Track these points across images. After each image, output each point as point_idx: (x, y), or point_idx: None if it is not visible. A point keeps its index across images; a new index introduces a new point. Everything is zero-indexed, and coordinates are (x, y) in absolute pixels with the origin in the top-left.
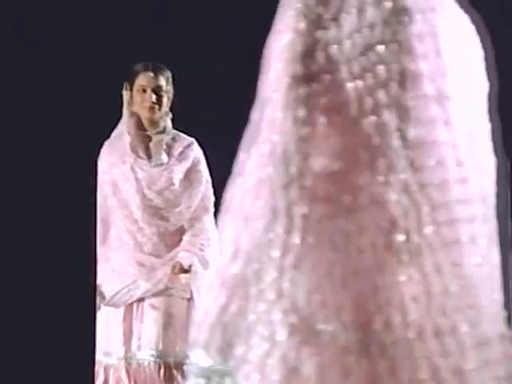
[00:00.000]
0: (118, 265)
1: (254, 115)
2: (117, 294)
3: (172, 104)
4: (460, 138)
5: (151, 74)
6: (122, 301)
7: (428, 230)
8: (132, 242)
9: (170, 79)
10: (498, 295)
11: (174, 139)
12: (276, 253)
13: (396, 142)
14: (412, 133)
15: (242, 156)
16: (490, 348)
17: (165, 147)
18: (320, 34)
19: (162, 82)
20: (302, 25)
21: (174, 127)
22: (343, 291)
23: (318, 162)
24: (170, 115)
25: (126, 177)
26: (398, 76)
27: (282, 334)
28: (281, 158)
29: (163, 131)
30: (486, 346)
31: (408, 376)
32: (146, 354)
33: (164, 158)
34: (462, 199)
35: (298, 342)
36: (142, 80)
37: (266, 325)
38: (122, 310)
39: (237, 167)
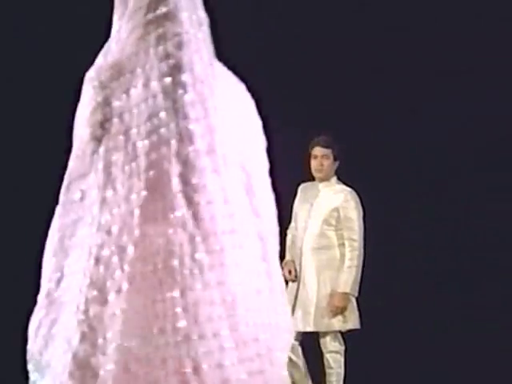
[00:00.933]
0: None
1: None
2: None
3: None
4: (229, 181)
5: None
6: None
7: (199, 255)
8: None
9: None
10: (265, 305)
11: None
12: (81, 278)
13: (176, 186)
14: (190, 179)
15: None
16: (247, 348)
17: None
18: (114, 104)
19: None
20: (100, 98)
21: None
22: (129, 306)
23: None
24: None
25: None
26: (177, 135)
27: (75, 340)
28: (89, 207)
29: None
30: (242, 347)
31: (175, 370)
32: None
33: None
34: (227, 231)
35: (86, 346)
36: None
37: (67, 331)
38: None
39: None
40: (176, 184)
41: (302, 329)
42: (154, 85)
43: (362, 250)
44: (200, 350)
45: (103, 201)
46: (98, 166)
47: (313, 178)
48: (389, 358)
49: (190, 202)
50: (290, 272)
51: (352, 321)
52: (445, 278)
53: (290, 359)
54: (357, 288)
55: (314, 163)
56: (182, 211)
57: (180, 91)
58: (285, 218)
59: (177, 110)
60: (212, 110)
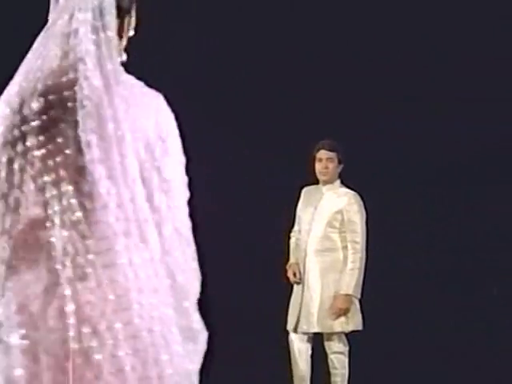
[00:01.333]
0: None
1: None
2: None
3: None
4: (126, 187)
5: None
6: None
7: (91, 256)
8: None
9: None
10: (163, 302)
11: None
12: None
13: (71, 193)
14: (84, 186)
15: None
16: (141, 339)
17: None
18: (15, 117)
19: None
20: (7, 111)
21: None
22: (37, 305)
23: (24, 213)
24: None
25: None
26: (74, 145)
27: None
28: None
29: None
30: (136, 338)
31: (79, 363)
32: None
33: None
34: (120, 232)
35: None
36: None
37: None
38: None
39: None
40: (71, 191)
41: (306, 330)
42: (53, 98)
43: (365, 253)
44: (94, 343)
45: (7, 207)
46: (1, 175)
47: (316, 182)
48: (391, 358)
49: (85, 207)
50: (294, 274)
51: (354, 322)
52: (447, 280)
53: (299, 370)
54: (359, 290)
55: (318, 166)
56: (76, 215)
57: (77, 103)
58: (288, 222)
59: (74, 121)
60: (110, 121)
